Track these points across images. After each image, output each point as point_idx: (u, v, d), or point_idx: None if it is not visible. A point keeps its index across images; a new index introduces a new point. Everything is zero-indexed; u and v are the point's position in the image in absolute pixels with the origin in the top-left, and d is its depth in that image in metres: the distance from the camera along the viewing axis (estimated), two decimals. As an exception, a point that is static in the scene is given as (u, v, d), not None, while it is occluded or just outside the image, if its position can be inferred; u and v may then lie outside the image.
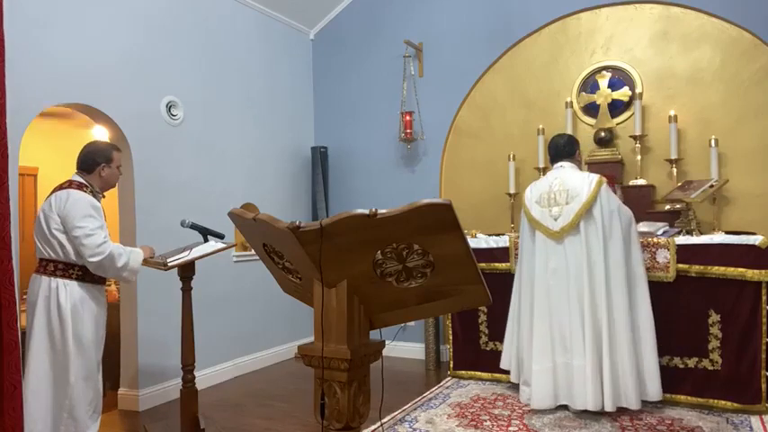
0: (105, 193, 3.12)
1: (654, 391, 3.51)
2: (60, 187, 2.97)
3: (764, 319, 3.54)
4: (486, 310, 4.44)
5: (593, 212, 3.49)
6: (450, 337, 4.59)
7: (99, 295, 2.98)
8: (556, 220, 3.59)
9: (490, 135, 5.20)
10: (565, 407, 3.60)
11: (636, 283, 3.54)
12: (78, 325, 2.84)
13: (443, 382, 4.49)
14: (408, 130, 5.36)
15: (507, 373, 4.30)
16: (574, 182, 3.59)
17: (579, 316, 3.47)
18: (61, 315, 2.81)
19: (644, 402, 3.55)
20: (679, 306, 3.72)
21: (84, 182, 3.01)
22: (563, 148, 3.81)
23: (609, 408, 3.39)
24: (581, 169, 3.86)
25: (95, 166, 3.03)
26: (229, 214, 1.78)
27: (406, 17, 5.54)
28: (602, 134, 4.60)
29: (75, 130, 5.74)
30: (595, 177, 3.56)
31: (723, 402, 3.63)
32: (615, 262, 3.46)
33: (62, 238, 2.84)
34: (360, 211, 1.38)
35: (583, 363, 3.43)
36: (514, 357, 3.94)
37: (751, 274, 3.54)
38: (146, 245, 3.26)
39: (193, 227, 3.35)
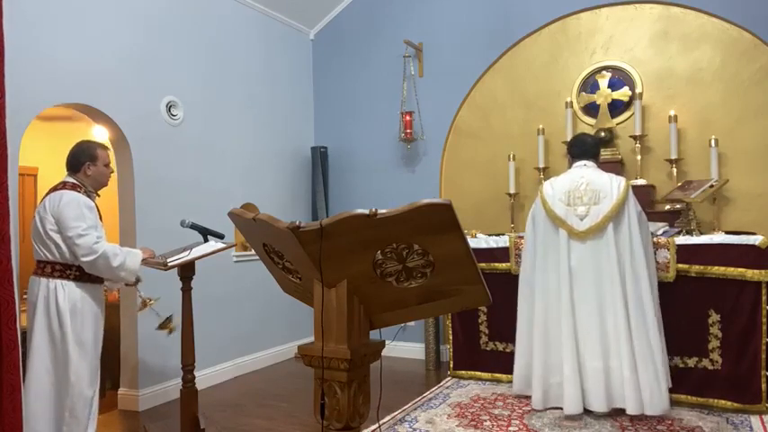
0: (100, 192, 3.14)
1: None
2: (54, 189, 2.99)
3: (764, 319, 3.54)
4: (486, 310, 4.43)
5: (621, 215, 3.48)
6: (451, 337, 4.58)
7: (97, 295, 2.99)
8: (582, 219, 3.55)
9: (490, 135, 5.20)
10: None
11: (655, 288, 3.54)
12: (78, 325, 2.86)
13: (443, 382, 4.49)
14: (408, 130, 5.36)
15: (507, 372, 4.29)
16: (601, 182, 3.57)
17: (598, 317, 3.46)
18: (60, 316, 2.83)
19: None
20: (679, 306, 3.72)
21: (76, 182, 3.03)
22: (590, 148, 3.79)
23: (638, 411, 3.38)
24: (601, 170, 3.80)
25: (80, 165, 3.05)
26: (229, 214, 1.78)
27: (406, 17, 5.54)
28: (602, 134, 4.60)
29: (75, 130, 5.74)
30: (623, 180, 3.56)
31: (723, 402, 3.63)
32: (641, 265, 3.45)
33: (57, 238, 2.85)
34: (360, 211, 1.38)
35: (601, 365, 3.41)
36: (524, 367, 3.85)
37: (751, 274, 3.54)
38: (146, 246, 3.26)
39: (193, 227, 3.35)
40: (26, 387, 2.75)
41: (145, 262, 3.12)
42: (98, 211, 3.06)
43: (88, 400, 2.89)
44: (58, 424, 2.83)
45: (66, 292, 2.86)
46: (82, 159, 3.06)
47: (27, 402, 2.74)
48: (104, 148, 3.17)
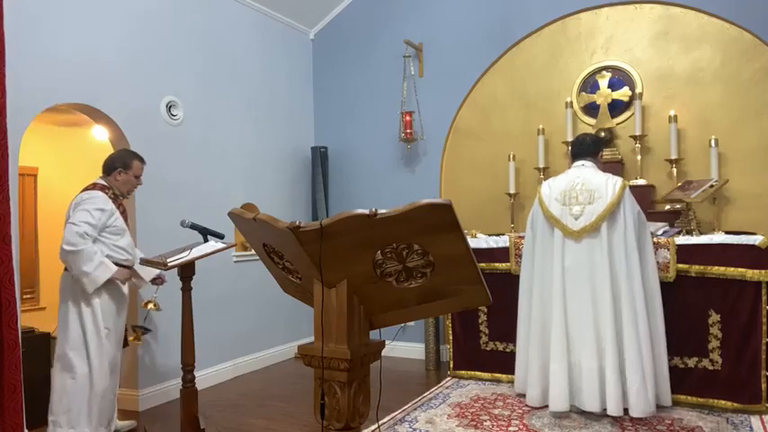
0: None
1: (668, 396, 3.52)
2: (86, 188, 3.26)
3: (764, 319, 3.54)
4: (486, 310, 4.43)
5: (616, 215, 3.47)
6: (451, 337, 4.58)
7: (120, 290, 3.29)
8: (576, 219, 3.55)
9: (490, 135, 5.20)
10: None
11: (652, 288, 3.53)
12: (106, 318, 3.17)
13: (443, 382, 4.49)
14: (408, 130, 5.36)
15: (507, 372, 4.29)
16: (597, 182, 3.56)
17: (592, 316, 3.45)
18: (92, 308, 3.12)
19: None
20: (679, 306, 3.72)
21: (106, 184, 3.30)
22: (588, 147, 3.78)
23: (618, 412, 3.37)
24: (601, 170, 3.79)
25: (113, 169, 3.33)
26: (229, 214, 1.78)
27: (406, 17, 5.54)
28: (603, 134, 4.60)
29: (75, 130, 5.74)
30: (619, 180, 3.54)
31: (723, 402, 3.63)
32: (635, 265, 3.44)
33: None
34: (360, 211, 1.38)
35: (595, 364, 3.41)
36: (523, 363, 3.85)
37: (751, 274, 3.54)
38: (127, 269, 3.34)
39: (193, 227, 3.36)
40: (72, 376, 3.09)
41: (147, 262, 3.20)
42: (124, 213, 3.34)
43: (101, 391, 3.17)
44: (90, 412, 3.13)
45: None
46: (116, 165, 3.34)
47: (73, 392, 3.09)
48: (141, 160, 3.44)
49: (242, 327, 4.99)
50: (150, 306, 3.55)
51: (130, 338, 3.55)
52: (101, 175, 3.35)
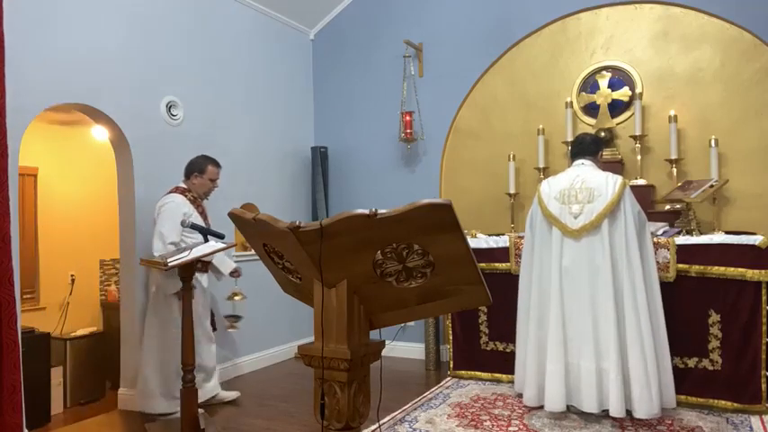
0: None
1: (672, 397, 3.51)
2: (169, 192, 3.66)
3: (764, 319, 3.54)
4: (486, 310, 4.43)
5: (616, 213, 3.46)
6: (451, 337, 4.58)
7: (202, 279, 3.74)
8: (576, 218, 3.53)
9: (490, 135, 5.20)
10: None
11: (653, 288, 3.51)
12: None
13: (443, 382, 4.49)
14: (408, 130, 5.36)
15: (507, 372, 4.29)
16: (597, 181, 3.54)
17: (591, 316, 3.44)
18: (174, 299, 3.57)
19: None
20: (679, 306, 3.72)
21: (186, 187, 3.65)
22: (588, 147, 3.77)
23: (620, 413, 3.35)
24: (600, 169, 3.78)
25: (190, 173, 3.65)
26: (229, 214, 1.78)
27: (406, 17, 5.54)
28: (602, 134, 4.60)
29: (75, 129, 5.73)
30: (619, 178, 3.53)
31: (723, 402, 3.63)
32: (637, 264, 3.42)
33: None
34: (360, 211, 1.38)
35: (593, 365, 3.39)
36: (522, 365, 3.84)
37: (751, 274, 3.54)
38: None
39: (193, 227, 3.36)
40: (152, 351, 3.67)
41: (147, 262, 3.20)
42: (203, 214, 3.68)
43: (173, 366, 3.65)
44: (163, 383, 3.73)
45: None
46: (193, 169, 3.69)
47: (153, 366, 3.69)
48: (216, 164, 3.78)
49: (242, 326, 4.97)
50: (237, 297, 3.97)
51: (226, 326, 4.00)
52: (182, 178, 3.73)
